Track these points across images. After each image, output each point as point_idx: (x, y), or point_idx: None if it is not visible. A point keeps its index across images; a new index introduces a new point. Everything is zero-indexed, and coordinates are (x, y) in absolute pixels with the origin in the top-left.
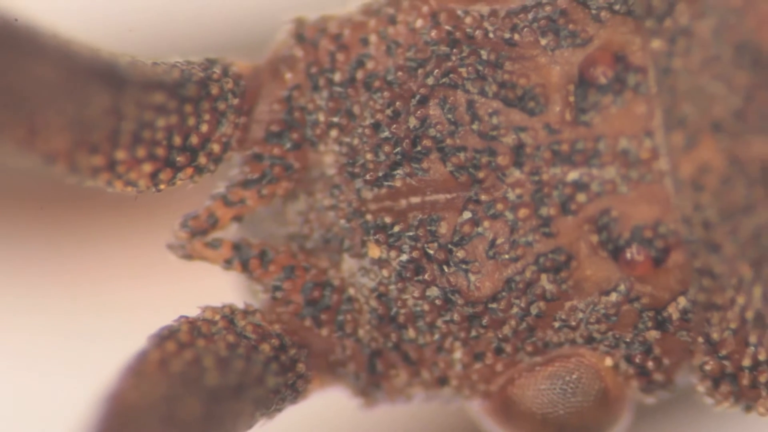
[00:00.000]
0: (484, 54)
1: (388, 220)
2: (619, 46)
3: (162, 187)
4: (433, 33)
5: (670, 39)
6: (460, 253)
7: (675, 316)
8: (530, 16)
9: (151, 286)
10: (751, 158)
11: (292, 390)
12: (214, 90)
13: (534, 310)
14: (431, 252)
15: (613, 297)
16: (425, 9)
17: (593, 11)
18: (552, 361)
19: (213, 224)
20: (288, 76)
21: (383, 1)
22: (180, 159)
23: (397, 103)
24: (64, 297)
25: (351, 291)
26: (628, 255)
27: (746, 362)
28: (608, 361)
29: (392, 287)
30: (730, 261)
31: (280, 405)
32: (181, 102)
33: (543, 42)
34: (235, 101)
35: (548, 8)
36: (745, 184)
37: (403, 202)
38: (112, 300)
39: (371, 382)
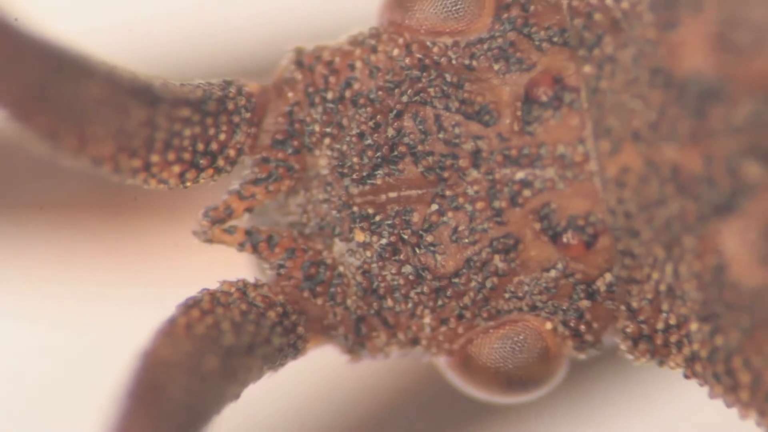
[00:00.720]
0: (448, 77)
1: (370, 211)
2: (557, 71)
3: (188, 184)
4: (407, 60)
5: (598, 65)
6: (429, 238)
7: (602, 288)
8: (485, 46)
9: (183, 265)
10: (664, 161)
11: (293, 348)
12: (230, 106)
13: (489, 284)
14: (405, 237)
15: (553, 273)
16: (401, 41)
17: (536, 42)
18: (503, 325)
19: (229, 214)
20: (290, 94)
21: (367, 34)
22: (203, 162)
23: (378, 117)
24: (117, 272)
25: (341, 268)
26: (565, 239)
27: (660, 326)
28: (548, 325)
29: (374, 265)
30: (647, 244)
31: (283, 360)
32: (204, 116)
33: (496, 67)
34: (247, 115)
35: (500, 40)
36: (659, 182)
37: (383, 197)
38: (153, 275)
39: (357, 342)
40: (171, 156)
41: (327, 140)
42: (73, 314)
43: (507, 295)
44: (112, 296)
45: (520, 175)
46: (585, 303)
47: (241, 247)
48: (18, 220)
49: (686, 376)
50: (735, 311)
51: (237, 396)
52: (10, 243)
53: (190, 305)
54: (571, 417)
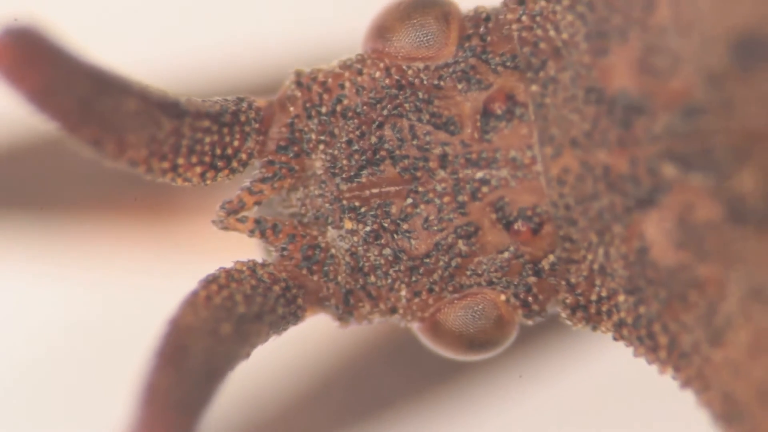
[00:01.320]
0: (420, 94)
1: (357, 203)
2: (510, 89)
3: (208, 182)
4: (387, 80)
5: (543, 85)
6: (405, 226)
7: (546, 267)
8: (451, 69)
9: (204, 248)
10: (596, 163)
11: (293, 316)
12: (243, 118)
13: (453, 263)
14: (386, 225)
15: (506, 255)
16: (381, 65)
17: (492, 66)
18: (465, 297)
19: (241, 207)
20: (291, 109)
21: (354, 59)
22: (220, 164)
23: (363, 127)
24: (153, 255)
25: (333, 251)
26: (516, 227)
27: (593, 297)
28: (502, 297)
29: (360, 248)
30: (583, 231)
31: (285, 326)
32: (221, 126)
33: (459, 87)
34: (256, 126)
35: (462, 65)
36: (592, 180)
37: (367, 192)
38: (180, 257)
39: (346, 311)
40: (194, 159)
41: (321, 146)
42: (118, 290)
43: (468, 273)
44: (149, 273)
45: (479, 174)
46: (532, 279)
47: (251, 233)
48: (72, 216)
49: (615, 339)
50: (655, 285)
51: (248, 355)
52: (68, 233)
53: (209, 281)
54: (519, 370)
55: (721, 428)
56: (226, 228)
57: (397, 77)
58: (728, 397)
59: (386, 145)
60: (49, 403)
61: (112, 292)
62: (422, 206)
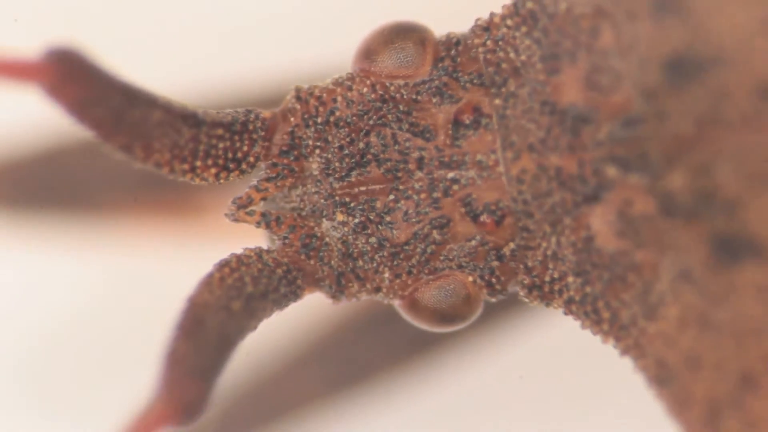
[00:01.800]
0: (401, 107)
1: (347, 199)
2: (477, 103)
3: (222, 181)
4: (372, 95)
5: (504, 99)
6: (388, 218)
7: (507, 253)
8: (426, 86)
9: (218, 237)
10: (550, 165)
11: (294, 294)
12: (251, 127)
13: (429, 250)
14: (371, 217)
15: (473, 243)
16: (368, 82)
17: (462, 83)
18: (439, 278)
19: (250, 202)
20: (291, 119)
21: (345, 77)
22: (231, 166)
23: (352, 135)
24: (174, 244)
25: (327, 239)
26: (481, 219)
27: (547, 279)
28: (470, 278)
29: (350, 237)
30: (538, 222)
31: (286, 303)
32: (232, 134)
33: (434, 100)
34: (262, 133)
35: (437, 82)
36: (546, 179)
37: (356, 189)
38: (198, 244)
39: (338, 291)
40: (209, 162)
41: (317, 151)
42: (147, 273)
43: (441, 258)
44: (173, 258)
45: (450, 175)
46: (495, 263)
47: (257, 224)
48: (108, 210)
49: (565, 313)
50: (599, 269)
51: (255, 328)
52: (104, 226)
53: (222, 264)
54: (483, 340)
55: (655, 390)
56: (236, 220)
57: (381, 92)
58: (661, 363)
59: (372, 150)
60: (80, 370)
61: (142, 275)
62: (402, 201)
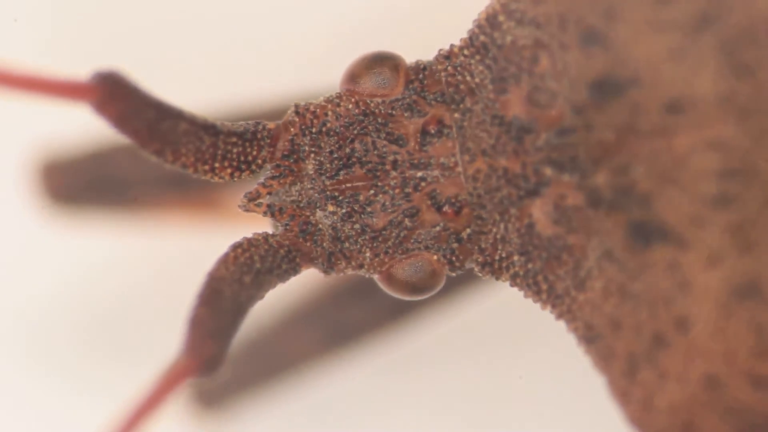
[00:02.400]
0: (379, 120)
1: (336, 193)
2: (440, 116)
3: (236, 179)
4: (356, 110)
5: (462, 113)
6: (369, 209)
7: (465, 237)
8: (400, 103)
9: (233, 224)
10: (499, 166)
11: (293, 270)
12: (259, 136)
13: (402, 234)
14: (356, 208)
15: (437, 228)
16: (353, 99)
17: (428, 101)
18: (410, 257)
19: (258, 196)
20: (291, 129)
21: (334, 95)
22: (243, 167)
23: (340, 142)
24: (197, 229)
25: (320, 226)
26: (444, 209)
27: (497, 257)
28: (435, 257)
29: (338, 224)
30: (490, 212)
31: (287, 277)
32: (244, 141)
33: (405, 114)
34: (268, 141)
35: (408, 99)
36: (496, 178)
37: (343, 186)
38: (217, 230)
39: (329, 267)
40: (225, 164)
41: (312, 155)
42: (176, 252)
43: (412, 241)
44: (197, 241)
45: (419, 174)
46: (455, 245)
47: (264, 214)
48: (149, 202)
49: (511, 285)
50: (538, 249)
51: (262, 297)
52: (144, 215)
53: (236, 245)
54: (446, 305)
55: (584, 347)
56: (247, 210)
57: (363, 108)
58: (588, 325)
59: (356, 154)
60: (129, 322)
61: (173, 254)
62: (380, 195)
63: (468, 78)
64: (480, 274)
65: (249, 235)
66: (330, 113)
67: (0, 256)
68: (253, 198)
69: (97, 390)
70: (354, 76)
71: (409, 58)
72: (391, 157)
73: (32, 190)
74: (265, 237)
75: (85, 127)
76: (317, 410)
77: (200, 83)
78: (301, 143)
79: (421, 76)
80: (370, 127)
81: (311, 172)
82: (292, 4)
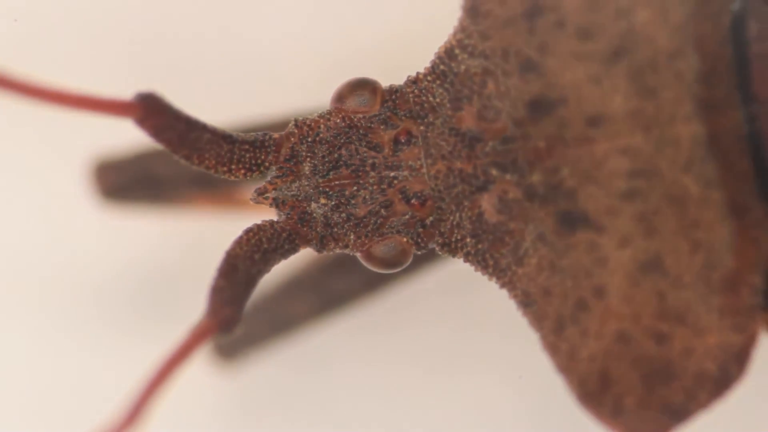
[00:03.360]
0: (361, 131)
1: (327, 189)
2: (409, 129)
3: (248, 178)
4: (343, 124)
5: (426, 126)
6: (353, 201)
7: (428, 223)
8: (377, 118)
9: (248, 214)
10: (455, 168)
11: (293, 250)
12: (266, 144)
13: (378, 221)
14: (343, 200)
15: (407, 217)
16: (340, 115)
17: (399, 116)
18: (385, 239)
19: (265, 191)
20: (292, 139)
21: (325, 111)
22: (254, 169)
23: (330, 149)
24: (217, 218)
25: (314, 215)
26: (412, 202)
27: (453, 239)
28: (405, 239)
29: (329, 213)
30: (447, 203)
31: (288, 255)
32: (255, 148)
33: (382, 127)
34: (274, 148)
35: (383, 115)
36: (453, 177)
37: (333, 183)
38: (235, 217)
39: (321, 247)
40: (240, 166)
41: (308, 159)
42: (200, 235)
43: (387, 226)
44: (217, 226)
45: (392, 174)
46: (420, 230)
47: (270, 205)
48: (182, 195)
49: (464, 261)
50: (486, 233)
51: (269, 271)
52: (179, 205)
53: (248, 230)
54: (414, 277)
55: (522, 311)
56: (257, 202)
57: (348, 122)
58: (525, 293)
59: (342, 158)
60: (158, 297)
61: (201, 236)
62: (362, 191)
63: (431, 98)
64: (440, 253)
65: (258, 221)
66: (322, 126)
67: (66, 241)
68: (261, 193)
69: (145, 341)
70: (341, 96)
71: (385, 82)
72: (370, 161)
73: (91, 185)
74: (271, 223)
75: (131, 138)
76: (310, 359)
77: (222, 103)
78: (300, 150)
79: (393, 97)
80: (353, 137)
81: (307, 173)
82: (294, 41)
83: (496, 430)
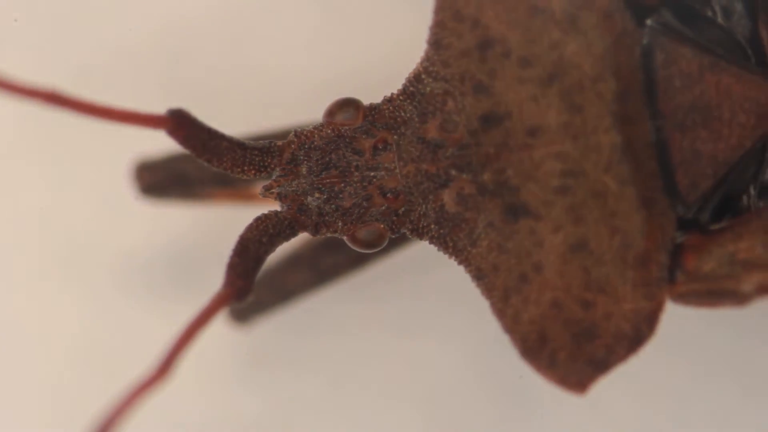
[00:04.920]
0: (347, 140)
1: (320, 186)
2: (385, 137)
3: (257, 178)
4: (333, 134)
5: (399, 135)
6: (341, 195)
7: (401, 213)
8: (360, 129)
9: (258, 205)
10: (422, 169)
11: (293, 234)
12: (272, 150)
13: (361, 211)
14: (332, 195)
15: (383, 208)
16: (331, 128)
17: (378, 128)
18: (366, 225)
19: (271, 187)
20: (292, 146)
21: (318, 124)
22: (262, 170)
23: (323, 153)
24: (234, 208)
25: (310, 206)
26: (388, 196)
27: (420, 225)
28: (382, 226)
29: (321, 205)
30: (416, 197)
31: (290, 238)
32: (262, 154)
33: (363, 137)
34: (278, 153)
35: (364, 128)
36: (421, 176)
37: (325, 181)
38: (248, 208)
39: (315, 232)
40: (251, 168)
41: (305, 162)
42: (220, 220)
43: (367, 216)
44: (233, 214)
45: (372, 174)
46: (395, 218)
47: (275, 199)
48: (207, 192)
49: (429, 243)
50: (447, 221)
51: (274, 251)
52: (203, 198)
53: (257, 218)
54: (389, 255)
55: (475, 283)
56: (265, 196)
57: (336, 132)
58: (478, 269)
59: (332, 161)
60: (186, 273)
61: (220, 223)
62: (348, 187)
63: (402, 114)
64: (410, 236)
65: (265, 212)
66: (316, 136)
67: (114, 227)
68: (268, 189)
69: (181, 303)
70: (331, 112)
71: (366, 101)
72: (354, 163)
73: (132, 182)
74: (276, 213)
75: (165, 145)
76: (304, 320)
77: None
78: (298, 154)
79: (373, 112)
80: (341, 144)
81: (304, 173)
82: (294, 70)
83: (451, 387)
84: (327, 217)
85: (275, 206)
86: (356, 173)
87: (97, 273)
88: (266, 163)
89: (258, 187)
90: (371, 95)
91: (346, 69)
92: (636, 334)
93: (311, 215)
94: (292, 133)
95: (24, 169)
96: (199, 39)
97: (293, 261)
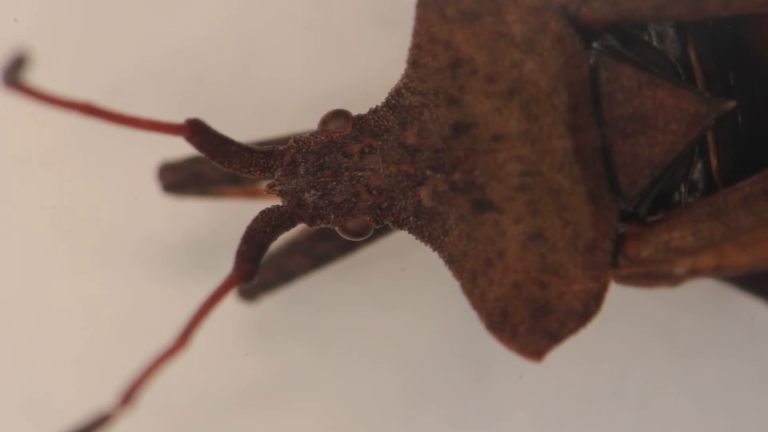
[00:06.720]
0: (338, 145)
1: (315, 184)
2: (370, 143)
3: (263, 178)
4: (326, 140)
5: (383, 141)
6: (333, 191)
7: (384, 207)
8: (350, 137)
9: (263, 201)
10: (402, 170)
11: (292, 225)
12: (274, 154)
13: (350, 206)
14: (326, 192)
15: (369, 203)
16: (324, 135)
17: (364, 135)
18: (354, 217)
19: (274, 185)
20: (292, 150)
21: (314, 132)
22: (266, 171)
23: (317, 157)
24: (243, 203)
25: (307, 201)
26: (373, 192)
27: (401, 218)
28: (368, 218)
29: (317, 200)
30: (398, 194)
31: (290, 229)
32: (267, 157)
33: (352, 142)
34: (279, 156)
35: (354, 135)
36: (401, 176)
37: (319, 180)
38: (255, 203)
39: (311, 223)
40: (256, 169)
41: (302, 164)
42: (233, 211)
43: (356, 209)
44: (243, 208)
45: (360, 173)
46: (379, 211)
47: (277, 195)
48: (222, 189)
49: (408, 232)
50: (424, 214)
51: (276, 239)
52: (220, 194)
53: (263, 211)
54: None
55: (447, 266)
56: (269, 193)
57: (329, 139)
58: (450, 254)
59: (326, 163)
60: (201, 254)
61: (232, 214)
62: (339, 185)
63: (386, 123)
64: (392, 227)
65: (269, 206)
66: (312, 142)
67: (141, 219)
68: (271, 186)
69: (198, 283)
70: (325, 122)
71: (354, 112)
72: (344, 165)
73: (157, 180)
74: (278, 207)
75: (183, 149)
76: (302, 298)
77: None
78: (297, 158)
79: (360, 121)
80: (333, 149)
81: (302, 173)
82: (293, 86)
83: (427, 354)
84: (321, 211)
85: (277, 201)
86: (346, 173)
87: (126, 257)
88: (270, 165)
89: (263, 185)
90: (359, 107)
91: (338, 85)
92: (585, 311)
93: (308, 209)
94: (292, 139)
95: (66, 170)
96: (212, 60)
97: (292, 248)
